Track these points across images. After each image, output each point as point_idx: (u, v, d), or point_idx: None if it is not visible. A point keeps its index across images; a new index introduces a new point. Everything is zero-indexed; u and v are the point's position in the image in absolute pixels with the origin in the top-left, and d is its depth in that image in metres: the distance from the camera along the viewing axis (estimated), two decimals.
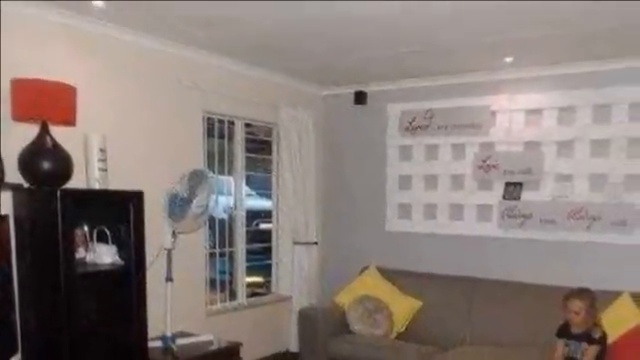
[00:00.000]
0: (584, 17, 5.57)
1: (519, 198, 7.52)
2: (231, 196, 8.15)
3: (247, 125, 8.17)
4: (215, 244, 7.86)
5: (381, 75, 8.21)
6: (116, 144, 5.91)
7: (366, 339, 7.33)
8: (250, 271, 8.47)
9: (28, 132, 5.13)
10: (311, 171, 8.69)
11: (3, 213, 4.97)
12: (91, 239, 5.59)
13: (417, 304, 7.69)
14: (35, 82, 5.01)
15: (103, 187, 5.54)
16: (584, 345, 5.79)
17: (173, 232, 6.32)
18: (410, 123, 8.29)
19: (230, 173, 8.06)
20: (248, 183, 8.67)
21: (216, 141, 7.73)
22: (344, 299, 7.85)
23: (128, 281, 5.62)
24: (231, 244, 8.09)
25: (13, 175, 5.03)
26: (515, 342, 6.76)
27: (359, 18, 5.69)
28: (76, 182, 5.38)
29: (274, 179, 8.69)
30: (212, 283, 7.82)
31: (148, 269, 5.85)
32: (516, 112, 7.59)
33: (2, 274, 4.85)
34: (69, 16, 5.65)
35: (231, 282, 8.23)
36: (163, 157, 6.70)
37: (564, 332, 6.00)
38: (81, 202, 5.27)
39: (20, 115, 5.05)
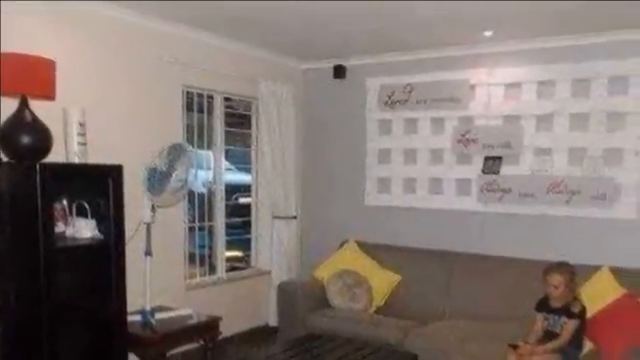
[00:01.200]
0: None
1: (498, 172, 7.50)
2: (210, 170, 8.09)
3: (226, 99, 8.14)
4: (194, 218, 7.85)
5: (360, 49, 8.16)
6: (96, 118, 5.87)
7: (345, 313, 7.30)
8: (229, 245, 8.44)
9: (7, 106, 5.08)
10: (290, 145, 8.66)
11: None
12: (70, 213, 5.55)
13: (396, 278, 7.67)
14: (14, 56, 4.92)
15: (82, 161, 5.49)
16: (563, 319, 5.77)
17: (152, 206, 6.29)
18: (389, 97, 8.25)
19: (209, 147, 8.02)
20: (227, 157, 8.62)
21: (195, 115, 7.70)
22: (323, 273, 7.82)
23: (107, 255, 5.58)
24: (210, 218, 8.06)
25: None
26: (494, 316, 6.77)
27: None
28: (55, 156, 5.30)
29: (253, 153, 8.67)
30: (191, 257, 7.81)
31: (127, 243, 5.82)
32: (495, 86, 7.56)
33: None
34: None
35: (210, 256, 8.20)
36: (142, 131, 6.67)
37: (543, 306, 5.98)
38: (60, 176, 5.20)
39: None
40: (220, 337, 6.83)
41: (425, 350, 6.27)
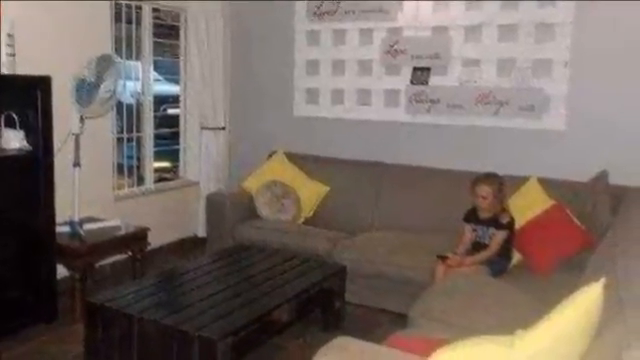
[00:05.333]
0: None
1: (427, 83, 7.39)
2: (139, 81, 7.94)
3: (155, 10, 7.92)
4: (123, 129, 7.72)
5: None
6: (24, 29, 5.73)
7: (273, 224, 7.23)
8: (158, 156, 8.33)
9: None
10: (219, 56, 8.45)
11: None
12: None
13: (325, 189, 7.60)
14: None
15: (11, 72, 5.39)
16: (492, 230, 5.77)
17: (81, 117, 6.19)
18: (318, 8, 8.04)
19: (138, 58, 7.85)
20: (156, 68, 8.47)
21: (124, 26, 7.50)
22: (252, 184, 7.70)
23: (36, 166, 5.50)
24: (139, 129, 7.93)
25: None
26: (423, 227, 6.75)
27: None
28: None
29: (182, 64, 8.48)
30: (120, 168, 7.69)
31: (56, 154, 5.73)
32: None
33: None
34: None
35: (139, 167, 8.09)
36: (71, 43, 6.47)
37: (472, 217, 5.97)
38: None
39: None
40: (148, 248, 6.81)
41: (353, 261, 6.25)
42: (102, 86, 6.03)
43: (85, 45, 6.49)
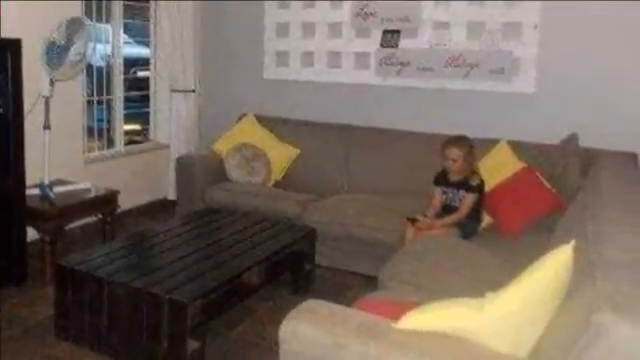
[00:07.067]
0: None
1: (397, 46, 7.33)
2: (109, 44, 7.90)
3: None
4: (93, 92, 7.64)
5: None
6: None
7: (244, 187, 7.18)
8: (128, 119, 8.26)
9: None
10: (189, 18, 8.34)
11: None
12: None
13: (295, 152, 7.57)
14: None
15: None
16: (462, 193, 5.76)
17: (51, 80, 6.11)
18: None
19: (108, 21, 7.76)
20: (126, 31, 8.38)
21: None
22: (222, 147, 7.64)
23: (6, 129, 5.44)
24: (109, 92, 7.83)
25: None
26: (393, 190, 6.75)
27: None
28: None
29: (152, 27, 8.38)
30: (90, 131, 7.62)
31: (26, 117, 5.66)
32: None
33: None
34: None
35: (109, 130, 8.03)
36: (41, 5, 6.34)
37: (442, 180, 5.95)
38: None
39: None
40: (118, 211, 6.81)
41: (323, 223, 6.24)
42: (72, 49, 6.01)
43: (55, 8, 6.38)
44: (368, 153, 7.19)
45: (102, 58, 7.85)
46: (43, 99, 6.16)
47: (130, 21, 8.38)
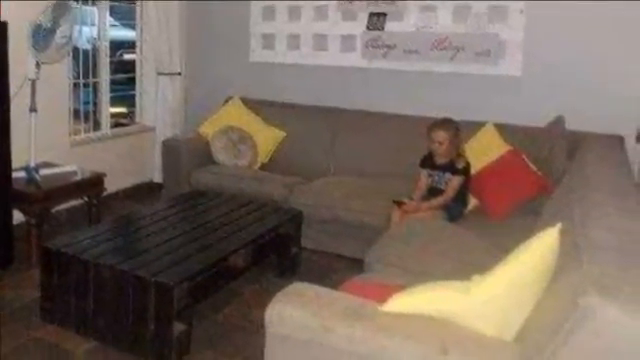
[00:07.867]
0: None
1: (383, 28, 7.31)
2: (95, 26, 7.85)
3: None
4: (79, 75, 7.62)
5: None
6: None
7: (230, 170, 7.17)
8: (114, 102, 8.25)
9: None
10: (175, 1, 8.28)
11: None
12: None
13: (281, 135, 7.54)
14: None
15: None
16: (448, 175, 5.75)
17: (37, 63, 6.07)
18: None
19: (94, 4, 7.74)
20: (112, 13, 8.37)
21: None
22: (208, 130, 7.61)
23: None
24: (95, 75, 7.81)
25: None
26: (379, 173, 6.74)
27: None
28: None
29: (138, 9, 8.33)
30: (76, 114, 7.58)
31: (12, 100, 5.64)
32: None
33: None
34: None
35: (95, 113, 7.98)
36: None
37: (428, 163, 5.94)
38: None
39: None
40: (104, 193, 6.79)
41: (310, 206, 6.23)
42: (58, 31, 5.99)
43: None
44: (354, 136, 7.16)
45: (88, 41, 7.80)
46: (29, 82, 6.13)
47: (116, 4, 8.34)
